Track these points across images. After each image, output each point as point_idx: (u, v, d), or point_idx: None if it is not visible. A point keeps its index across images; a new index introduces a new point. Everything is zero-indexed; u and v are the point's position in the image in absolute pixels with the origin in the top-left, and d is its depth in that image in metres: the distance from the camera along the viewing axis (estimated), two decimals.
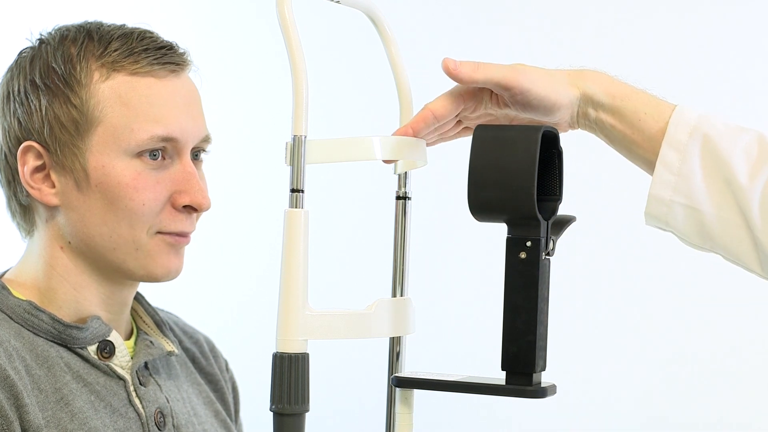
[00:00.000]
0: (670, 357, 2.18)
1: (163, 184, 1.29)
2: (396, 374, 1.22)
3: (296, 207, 1.09)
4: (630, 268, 2.21)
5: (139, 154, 1.28)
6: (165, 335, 1.40)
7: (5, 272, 1.37)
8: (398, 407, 1.22)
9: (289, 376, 1.08)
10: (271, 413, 1.09)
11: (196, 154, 1.34)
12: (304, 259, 1.09)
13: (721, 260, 1.86)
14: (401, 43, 1.27)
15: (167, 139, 1.29)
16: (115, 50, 1.29)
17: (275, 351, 1.09)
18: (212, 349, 1.52)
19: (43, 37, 1.33)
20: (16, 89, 1.31)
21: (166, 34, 1.35)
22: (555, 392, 1.16)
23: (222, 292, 2.52)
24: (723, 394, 2.15)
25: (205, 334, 1.53)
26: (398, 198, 1.24)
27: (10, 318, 1.29)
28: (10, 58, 1.35)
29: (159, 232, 1.30)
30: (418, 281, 1.45)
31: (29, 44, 1.34)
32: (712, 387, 2.15)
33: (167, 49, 1.31)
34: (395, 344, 1.24)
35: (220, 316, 2.38)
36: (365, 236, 2.42)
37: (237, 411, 1.52)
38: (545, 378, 1.17)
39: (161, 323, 1.41)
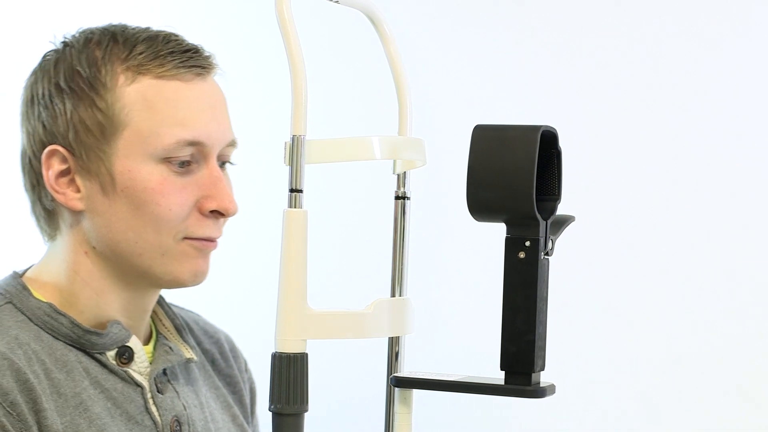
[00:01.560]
0: (670, 357, 2.18)
1: (190, 189, 1.27)
2: (395, 374, 1.22)
3: (295, 207, 1.09)
4: (629, 267, 2.21)
5: (166, 159, 1.26)
6: (185, 340, 1.38)
7: (27, 269, 1.35)
8: (397, 407, 1.22)
9: (288, 376, 1.08)
10: (270, 413, 1.09)
11: (222, 163, 1.32)
12: (303, 259, 1.09)
13: (722, 262, 1.86)
14: (401, 43, 1.26)
15: (193, 143, 1.27)
16: (141, 53, 1.27)
17: (274, 351, 1.09)
18: (232, 348, 1.50)
19: (66, 40, 1.31)
20: (40, 92, 1.29)
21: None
22: (554, 392, 1.16)
23: (221, 292, 2.51)
24: (723, 394, 2.14)
25: (226, 332, 1.51)
26: (397, 198, 1.24)
27: (30, 320, 1.27)
28: (7, 59, 1.34)
29: (186, 238, 1.28)
30: (417, 281, 1.45)
31: (52, 47, 1.32)
32: (712, 387, 2.15)
33: (193, 52, 1.29)
34: (394, 344, 1.24)
35: (219, 316, 2.37)
36: (364, 236, 2.42)
37: (254, 411, 1.50)
38: (544, 378, 1.17)
39: (181, 328, 1.39)
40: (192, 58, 1.29)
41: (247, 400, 1.49)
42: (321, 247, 1.87)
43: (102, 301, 1.29)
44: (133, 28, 1.31)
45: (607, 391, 2.22)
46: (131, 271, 1.29)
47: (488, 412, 2.28)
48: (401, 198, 1.24)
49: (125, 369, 1.29)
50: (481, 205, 1.14)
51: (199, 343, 1.43)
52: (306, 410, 1.09)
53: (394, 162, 1.24)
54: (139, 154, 1.26)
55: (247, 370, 1.51)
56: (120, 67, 1.27)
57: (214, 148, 1.29)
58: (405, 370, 1.23)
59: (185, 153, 1.27)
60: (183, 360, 1.35)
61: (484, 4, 2.33)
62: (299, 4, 1.14)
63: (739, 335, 2.13)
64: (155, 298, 1.36)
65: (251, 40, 2.47)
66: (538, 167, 1.12)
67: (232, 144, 1.33)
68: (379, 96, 1.36)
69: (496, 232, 1.18)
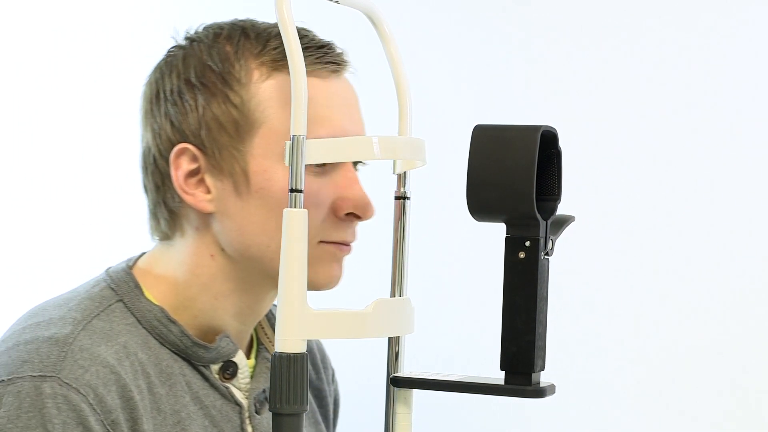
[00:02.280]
0: (670, 357, 2.18)
1: (326, 191, 1.21)
2: (395, 374, 1.23)
3: (295, 207, 1.09)
4: (629, 267, 2.21)
5: None
6: None
7: (139, 257, 1.28)
8: (397, 407, 1.22)
9: (288, 376, 1.08)
10: (270, 413, 1.10)
11: (354, 163, 1.26)
12: (303, 259, 1.09)
13: (724, 262, 1.86)
14: (401, 43, 1.26)
15: None
16: (275, 48, 1.21)
17: (274, 351, 1.09)
18: (323, 359, 1.45)
19: (191, 35, 1.26)
20: (168, 89, 1.23)
21: (163, 34, 1.32)
22: (554, 392, 1.16)
23: None
24: (724, 394, 2.15)
25: (319, 339, 1.46)
26: (397, 198, 1.24)
27: (139, 322, 1.21)
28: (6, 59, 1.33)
29: (322, 242, 1.22)
30: (417, 281, 1.45)
31: (174, 42, 1.26)
32: (713, 387, 2.15)
33: (327, 48, 1.24)
34: (394, 344, 1.24)
35: None
36: (365, 236, 2.42)
37: (335, 424, 1.47)
38: (544, 378, 1.17)
39: None
40: (327, 54, 1.23)
41: (331, 413, 1.44)
42: None
43: (219, 305, 1.23)
44: (263, 23, 1.25)
45: (607, 391, 2.22)
46: (259, 275, 1.23)
47: (488, 412, 2.28)
48: (401, 198, 1.24)
49: (227, 384, 1.24)
50: (481, 205, 1.14)
51: None
52: (305, 410, 1.09)
53: (394, 162, 1.24)
54: (275, 153, 1.19)
55: (333, 381, 1.46)
56: (254, 63, 1.21)
57: None
58: (405, 370, 1.23)
59: None
60: None
61: (484, 4, 2.33)
62: (299, 4, 1.14)
63: (740, 336, 2.13)
64: (271, 304, 1.30)
65: None
66: (538, 167, 1.12)
67: None
68: (379, 96, 1.36)
69: (496, 232, 1.18)
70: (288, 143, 1.10)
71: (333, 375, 1.46)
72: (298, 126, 1.09)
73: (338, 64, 1.23)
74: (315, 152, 1.11)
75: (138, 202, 1.28)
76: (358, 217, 1.24)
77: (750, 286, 2.13)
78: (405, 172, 1.24)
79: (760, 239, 2.12)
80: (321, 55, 1.22)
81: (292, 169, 1.09)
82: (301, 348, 1.09)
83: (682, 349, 2.17)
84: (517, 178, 1.11)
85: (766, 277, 2.12)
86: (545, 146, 1.14)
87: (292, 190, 1.09)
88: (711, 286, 2.15)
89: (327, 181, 1.21)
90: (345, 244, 1.24)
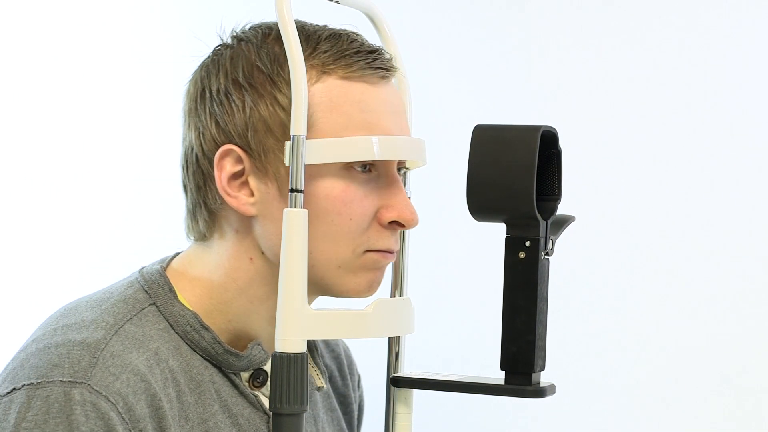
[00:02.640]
0: (670, 357, 2.18)
1: (371, 199, 1.18)
2: (395, 374, 1.23)
3: (296, 207, 1.09)
4: (629, 267, 2.21)
5: (349, 164, 1.17)
6: (315, 363, 1.31)
7: (173, 257, 1.26)
8: (397, 407, 1.22)
9: (288, 376, 1.08)
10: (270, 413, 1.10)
11: (398, 169, 1.24)
12: (304, 259, 1.09)
13: (724, 263, 1.85)
14: (401, 43, 1.26)
15: None
16: (325, 51, 1.18)
17: (275, 351, 1.09)
18: (350, 364, 1.43)
19: (239, 34, 1.24)
20: (215, 88, 1.20)
21: (162, 35, 1.32)
22: (554, 392, 1.16)
23: None
24: (724, 394, 2.15)
25: (345, 343, 1.45)
26: None
27: (172, 327, 1.19)
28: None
29: (367, 251, 1.19)
30: (417, 281, 1.45)
31: (220, 41, 1.25)
32: (713, 388, 2.15)
33: (377, 54, 1.21)
34: (394, 344, 1.24)
35: None
36: None
37: (359, 429, 1.45)
38: (544, 378, 1.17)
39: (313, 347, 1.31)
40: (377, 59, 1.20)
41: (355, 420, 1.43)
42: None
43: (254, 310, 1.21)
44: (312, 25, 1.22)
45: (607, 391, 2.22)
46: None
47: (488, 412, 2.28)
48: None
49: (256, 393, 1.22)
50: (481, 205, 1.14)
51: (321, 357, 1.35)
52: (305, 410, 1.10)
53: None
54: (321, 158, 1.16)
55: (359, 386, 1.44)
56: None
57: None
58: (405, 370, 1.24)
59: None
60: (314, 388, 1.29)
61: (484, 4, 2.33)
62: (299, 4, 1.14)
63: (740, 336, 2.13)
64: None
65: None
66: (538, 167, 1.12)
67: None
68: None
69: (496, 232, 1.18)
70: (288, 143, 1.10)
71: (359, 381, 1.45)
72: (298, 126, 1.10)
73: (387, 70, 1.21)
74: (316, 152, 1.11)
75: (137, 202, 1.28)
76: (402, 226, 1.20)
77: (750, 286, 2.13)
78: (405, 172, 1.24)
79: (760, 239, 2.12)
80: (371, 60, 1.19)
81: (292, 169, 1.09)
82: (301, 348, 1.09)
83: (682, 349, 2.17)
84: (517, 178, 1.12)
85: (766, 277, 2.12)
86: (545, 146, 1.15)
87: (292, 190, 1.09)
88: (711, 286, 2.15)
89: (372, 188, 1.19)
90: (389, 252, 1.21)
